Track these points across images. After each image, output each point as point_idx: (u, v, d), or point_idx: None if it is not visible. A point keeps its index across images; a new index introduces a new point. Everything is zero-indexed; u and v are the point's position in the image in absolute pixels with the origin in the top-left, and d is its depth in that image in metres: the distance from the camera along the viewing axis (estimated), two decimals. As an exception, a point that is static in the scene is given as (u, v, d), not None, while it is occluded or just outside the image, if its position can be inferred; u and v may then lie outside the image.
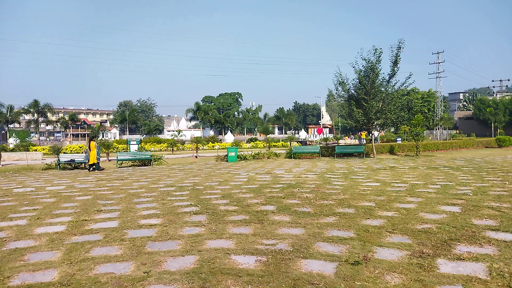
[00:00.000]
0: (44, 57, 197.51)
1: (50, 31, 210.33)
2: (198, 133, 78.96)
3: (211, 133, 78.72)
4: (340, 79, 23.13)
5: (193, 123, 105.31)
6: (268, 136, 48.43)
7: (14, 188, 11.99)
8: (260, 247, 5.33)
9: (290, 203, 8.49)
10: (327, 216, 7.21)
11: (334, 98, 25.75)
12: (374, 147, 23.96)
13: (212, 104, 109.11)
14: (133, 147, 31.74)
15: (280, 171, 15.96)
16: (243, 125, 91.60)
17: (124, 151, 29.53)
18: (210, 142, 44.45)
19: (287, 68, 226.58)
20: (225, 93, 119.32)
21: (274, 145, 40.01)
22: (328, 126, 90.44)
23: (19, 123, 71.70)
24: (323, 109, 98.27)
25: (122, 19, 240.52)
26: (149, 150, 32.09)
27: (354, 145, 32.66)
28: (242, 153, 24.62)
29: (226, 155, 22.91)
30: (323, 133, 52.84)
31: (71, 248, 5.41)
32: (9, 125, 63.65)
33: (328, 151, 25.47)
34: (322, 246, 5.35)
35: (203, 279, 4.18)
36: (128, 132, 73.09)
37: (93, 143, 18.06)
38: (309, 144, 40.84)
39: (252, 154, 24.21)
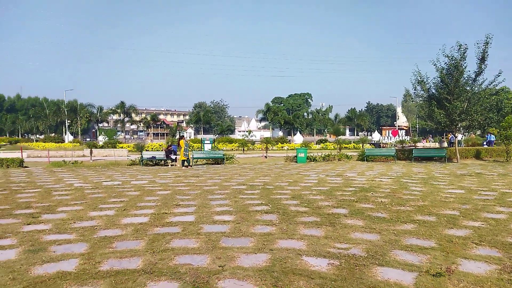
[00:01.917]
0: (127, 62, 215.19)
1: (135, 40, 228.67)
2: (267, 133, 79.91)
3: (280, 133, 79.13)
4: (419, 77, 21.70)
5: (263, 123, 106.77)
6: (339, 137, 47.31)
7: (104, 181, 13.23)
8: (332, 251, 5.23)
9: (363, 207, 8.20)
10: (405, 223, 6.82)
11: (412, 98, 24.20)
12: (457, 151, 22.10)
13: (282, 105, 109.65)
14: (207, 146, 33.13)
15: (352, 173, 15.49)
16: (312, 126, 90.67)
17: (198, 150, 30.98)
18: (279, 143, 44.70)
19: (359, 67, 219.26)
20: (295, 94, 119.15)
21: (345, 147, 38.95)
22: (404, 128, 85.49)
23: (108, 122, 79.04)
24: (399, 110, 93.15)
25: (191, 22, 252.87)
26: (222, 150, 33.26)
27: (435, 148, 30.45)
28: (311, 154, 24.36)
29: (296, 156, 22.86)
30: (398, 135, 50.10)
31: (153, 238, 5.82)
32: (99, 124, 70.38)
33: (405, 154, 24.07)
34: (399, 254, 5.08)
35: (275, 278, 4.22)
36: (202, 132, 76.59)
37: (182, 141, 19.26)
38: (383, 147, 39.03)
39: (322, 155, 23.84)
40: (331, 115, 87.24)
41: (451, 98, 20.43)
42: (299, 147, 30.12)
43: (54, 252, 5.17)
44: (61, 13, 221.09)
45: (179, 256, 4.99)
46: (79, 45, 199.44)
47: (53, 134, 66.40)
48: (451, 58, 20.28)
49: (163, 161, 20.93)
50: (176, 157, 20.76)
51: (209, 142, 34.16)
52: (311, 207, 8.30)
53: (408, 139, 55.85)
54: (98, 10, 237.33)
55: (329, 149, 39.09)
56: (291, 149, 39.98)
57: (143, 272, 4.40)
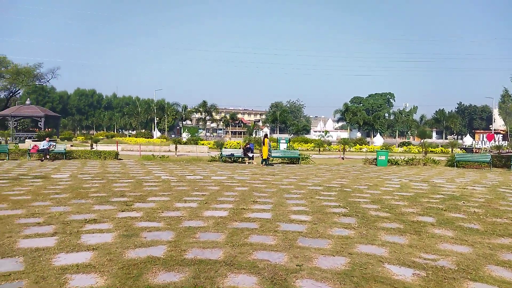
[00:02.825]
0: (209, 62, 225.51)
1: (215, 42, 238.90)
2: (345, 134, 77.69)
3: (359, 135, 76.37)
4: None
5: (340, 124, 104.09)
6: (424, 140, 44.14)
7: (187, 175, 14.06)
8: (418, 260, 4.90)
9: (453, 217, 7.54)
10: (502, 236, 6.13)
11: (512, 99, 21.60)
12: None
13: (361, 105, 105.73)
14: (283, 146, 33.31)
15: (440, 180, 14.34)
16: (394, 127, 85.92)
17: (274, 149, 31.33)
18: (357, 144, 43.19)
19: (448, 64, 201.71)
20: (376, 93, 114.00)
21: (431, 151, 36.20)
22: (502, 132, 76.59)
23: (191, 120, 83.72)
24: (495, 112, 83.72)
25: (269, 23, 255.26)
26: (297, 149, 33.17)
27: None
28: (393, 157, 23.08)
29: (375, 159, 21.86)
30: (494, 139, 45.07)
31: (232, 232, 6.03)
32: (183, 122, 74.90)
33: (502, 161, 21.57)
34: (495, 270, 4.58)
35: (355, 283, 4.09)
36: (278, 131, 77.17)
37: (266, 140, 19.71)
38: (475, 152, 35.43)
39: (405, 159, 22.46)
40: (416, 116, 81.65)
41: None
42: (379, 149, 28.78)
43: (145, 238, 5.64)
44: (150, 18, 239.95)
45: (257, 251, 5.10)
46: (164, 48, 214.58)
47: (143, 130, 72.56)
48: None
49: (241, 158, 21.56)
50: (253, 155, 21.24)
51: (284, 141, 34.29)
52: (393, 212, 7.88)
53: (506, 144, 49.88)
54: (182, 15, 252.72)
55: (413, 153, 36.68)
56: (370, 151, 38.38)
57: (224, 264, 4.59)
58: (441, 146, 42.19)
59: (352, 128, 78.78)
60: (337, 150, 37.99)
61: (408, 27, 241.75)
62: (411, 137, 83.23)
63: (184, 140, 44.56)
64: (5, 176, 12.37)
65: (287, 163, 21.61)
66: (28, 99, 45.31)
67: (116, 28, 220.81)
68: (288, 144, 35.16)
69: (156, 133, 61.37)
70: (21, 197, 8.65)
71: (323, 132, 69.12)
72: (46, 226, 6.14)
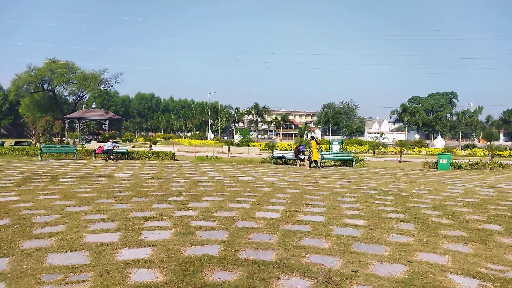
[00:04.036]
0: (261, 64, 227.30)
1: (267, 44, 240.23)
2: (402, 136, 74.33)
3: (417, 136, 72.56)
4: None
5: (396, 125, 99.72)
6: (491, 142, 40.90)
7: (239, 176, 14.28)
8: (484, 271, 4.55)
9: (526, 226, 6.89)
10: None
11: None
12: None
13: (420, 105, 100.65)
14: (335, 148, 32.65)
15: (508, 185, 13.20)
16: (457, 129, 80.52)
17: (326, 151, 30.80)
18: (415, 147, 41.08)
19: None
20: (436, 93, 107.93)
21: (498, 154, 33.45)
22: None
23: (243, 122, 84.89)
24: None
25: (322, 24, 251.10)
26: (351, 152, 32.35)
27: None
28: (455, 160, 21.66)
29: (436, 162, 20.64)
30: None
31: (285, 234, 6.02)
32: (235, 124, 76.24)
33: None
34: None
35: (414, 292, 3.89)
36: (330, 133, 75.80)
37: (314, 142, 19.57)
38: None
39: (469, 162, 20.97)
40: (481, 117, 75.90)
41: None
42: (440, 152, 27.15)
43: (200, 236, 5.81)
44: (203, 21, 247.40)
45: (310, 254, 5.03)
46: (218, 52, 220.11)
47: (197, 132, 74.92)
48: None
49: (292, 160, 21.46)
50: (304, 157, 21.04)
51: (337, 143, 33.59)
52: (456, 220, 7.39)
53: None
54: (233, 20, 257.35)
55: (478, 156, 34.16)
56: (430, 154, 36.37)
57: (277, 265, 4.59)
58: (510, 149, 38.81)
59: (410, 129, 75.10)
60: (393, 152, 36.45)
61: (476, 22, 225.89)
62: (475, 139, 77.58)
63: (236, 141, 45.36)
64: (73, 175, 13.41)
65: (340, 166, 21.13)
66: (94, 103, 48.85)
67: (173, 36, 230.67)
68: (341, 146, 34.39)
69: (210, 135, 63.13)
70: (88, 195, 9.32)
71: (378, 133, 66.63)
72: (110, 222, 6.56)
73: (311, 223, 6.83)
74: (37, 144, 29.17)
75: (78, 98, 61.35)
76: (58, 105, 58.71)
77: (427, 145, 48.89)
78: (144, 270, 4.39)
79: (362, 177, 15.09)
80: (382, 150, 38.36)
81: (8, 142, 30.55)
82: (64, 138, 36.18)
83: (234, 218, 7.12)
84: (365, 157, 23.37)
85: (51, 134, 37.75)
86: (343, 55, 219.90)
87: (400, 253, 5.21)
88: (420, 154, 36.63)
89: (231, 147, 31.02)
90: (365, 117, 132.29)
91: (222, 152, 29.61)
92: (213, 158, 22.60)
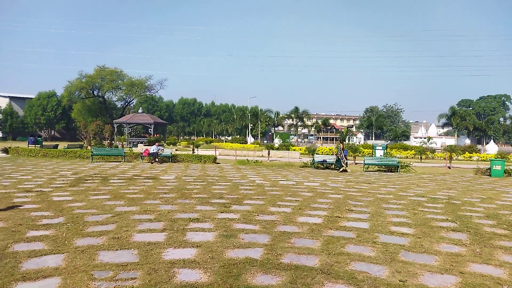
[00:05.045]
0: (301, 66, 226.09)
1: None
2: (451, 141, 70.66)
3: (467, 141, 68.69)
4: None
5: (445, 130, 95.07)
6: (551, 148, 37.78)
7: (280, 180, 14.24)
8: (548, 288, 4.20)
9: None
10: None
11: None
12: None
13: (470, 108, 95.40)
14: (379, 152, 31.66)
15: None
16: (511, 133, 75.44)
17: (369, 156, 29.96)
18: (466, 152, 38.89)
19: None
20: (488, 95, 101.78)
21: (561, 161, 30.83)
22: None
23: (283, 126, 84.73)
24: None
25: (365, 25, 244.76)
26: (395, 157, 31.26)
27: None
28: (510, 167, 20.24)
29: (489, 168, 19.41)
30: None
31: (328, 240, 5.91)
32: (275, 128, 76.28)
33: None
34: None
35: (469, 306, 3.67)
36: (373, 137, 73.74)
37: (341, 145, 19.33)
38: None
39: (527, 169, 19.51)
40: (540, 121, 70.51)
41: None
42: (493, 158, 25.52)
43: (242, 239, 5.85)
44: (242, 31, 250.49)
45: (355, 262, 4.90)
46: (258, 57, 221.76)
47: (238, 136, 75.76)
48: None
49: (333, 165, 21.08)
50: (347, 162, 20.60)
51: (381, 148, 32.57)
52: (513, 230, 6.89)
53: None
54: (272, 25, 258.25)
55: (537, 163, 31.71)
56: (482, 160, 34.31)
57: (320, 272, 4.51)
58: None
59: (460, 134, 71.32)
60: (442, 158, 34.76)
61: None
62: (533, 144, 72.01)
63: (276, 145, 45.31)
64: (122, 177, 14.03)
65: (384, 171, 20.46)
66: (140, 108, 51.04)
67: (213, 41, 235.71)
68: (385, 151, 33.33)
69: (250, 139, 63.60)
70: (135, 196, 9.71)
71: (425, 138, 63.76)
72: (156, 223, 6.78)
73: (355, 229, 6.67)
74: (89, 147, 30.89)
75: (126, 104, 64.22)
76: (108, 110, 61.81)
77: (479, 150, 46.11)
78: (189, 270, 4.49)
79: (409, 183, 14.51)
80: (429, 156, 36.69)
81: (62, 145, 32.59)
82: (113, 142, 38.00)
83: (275, 222, 7.11)
84: (411, 163, 22.44)
85: (101, 138, 39.80)
86: (386, 57, 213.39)
87: (451, 263, 4.95)
88: (471, 160, 34.64)
89: (271, 151, 31.03)
90: (410, 121, 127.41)
91: (262, 156, 29.70)
92: (253, 162, 22.73)
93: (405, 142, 61.98)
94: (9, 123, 64.27)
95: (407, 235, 6.39)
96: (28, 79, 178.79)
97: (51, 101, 66.56)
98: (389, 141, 66.82)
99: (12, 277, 4.16)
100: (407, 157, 36.12)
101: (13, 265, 4.51)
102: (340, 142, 19.95)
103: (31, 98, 68.14)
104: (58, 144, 34.40)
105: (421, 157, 34.29)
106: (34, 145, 33.32)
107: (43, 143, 36.69)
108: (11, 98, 68.43)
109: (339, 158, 19.75)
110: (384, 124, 76.34)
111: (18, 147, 26.75)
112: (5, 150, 25.49)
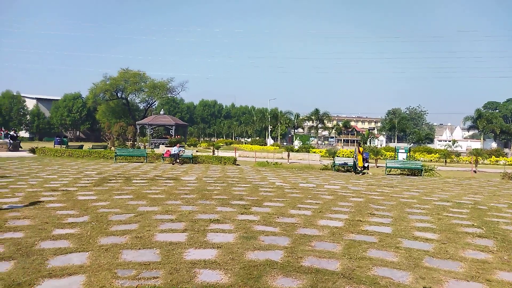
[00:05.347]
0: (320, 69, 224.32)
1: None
2: (476, 144, 68.59)
3: (494, 145, 66.49)
4: None
5: (470, 133, 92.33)
6: None
7: (300, 183, 14.17)
8: None
9: None
10: None
11: None
12: None
13: (497, 111, 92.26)
14: (401, 156, 31.03)
15: None
16: (541, 137, 72.40)
17: (392, 159, 29.41)
18: (493, 156, 37.61)
19: None
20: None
21: None
22: None
23: (303, 128, 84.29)
24: None
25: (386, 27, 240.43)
26: (419, 160, 30.57)
27: None
28: (542, 172, 19.45)
29: (518, 173, 18.72)
30: None
31: (349, 244, 5.83)
32: (295, 130, 75.97)
33: None
34: None
35: (497, 316, 3.54)
36: (396, 140, 72.40)
37: (361, 148, 19.13)
38: None
39: (558, 174, 18.70)
40: None
41: None
42: (522, 163, 24.60)
43: (263, 241, 5.85)
44: (263, 34, 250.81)
45: (377, 267, 4.82)
46: (278, 59, 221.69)
47: (258, 138, 75.88)
48: None
49: (352, 168, 20.79)
50: (368, 165, 20.31)
51: (404, 151, 31.88)
52: (545, 238, 6.62)
53: None
54: (291, 28, 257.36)
55: None
56: (509, 164, 33.12)
57: (341, 276, 4.46)
58: None
59: (486, 137, 69.13)
60: (467, 162, 33.76)
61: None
62: None
63: (296, 147, 45.10)
64: (144, 177, 14.27)
65: (407, 175, 20.04)
66: (162, 109, 51.79)
67: (233, 44, 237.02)
68: (408, 154, 32.66)
69: (270, 141, 63.55)
70: (157, 196, 9.85)
71: (450, 141, 62.18)
72: (177, 223, 6.87)
73: (377, 234, 6.55)
74: (112, 148, 31.58)
75: (148, 105, 65.38)
76: (131, 111, 63.07)
77: (506, 154, 44.53)
78: (210, 270, 4.52)
79: (433, 187, 14.17)
80: (454, 159, 35.71)
81: (87, 146, 33.45)
82: (135, 143, 38.74)
83: (295, 224, 7.07)
84: (435, 166, 21.88)
85: (124, 139, 40.64)
86: (409, 58, 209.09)
87: (477, 270, 4.80)
88: (497, 164, 33.49)
89: (291, 153, 30.90)
90: (434, 124, 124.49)
91: (282, 158, 29.61)
92: (273, 164, 22.69)
93: (429, 145, 60.55)
94: (36, 124, 66.55)
95: (431, 240, 6.24)
96: (53, 81, 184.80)
97: (77, 102, 68.61)
98: (412, 144, 65.40)
99: (39, 273, 4.30)
100: (431, 160, 35.26)
101: (40, 262, 4.65)
102: (358, 146, 19.77)
103: (57, 100, 70.39)
104: (83, 145, 35.35)
105: (445, 161, 33.40)
106: (60, 146, 34.30)
107: (69, 144, 37.75)
108: (38, 99, 70.83)
109: (354, 162, 19.69)
110: (407, 127, 74.76)
111: (44, 147, 27.65)
112: (32, 150, 26.39)
